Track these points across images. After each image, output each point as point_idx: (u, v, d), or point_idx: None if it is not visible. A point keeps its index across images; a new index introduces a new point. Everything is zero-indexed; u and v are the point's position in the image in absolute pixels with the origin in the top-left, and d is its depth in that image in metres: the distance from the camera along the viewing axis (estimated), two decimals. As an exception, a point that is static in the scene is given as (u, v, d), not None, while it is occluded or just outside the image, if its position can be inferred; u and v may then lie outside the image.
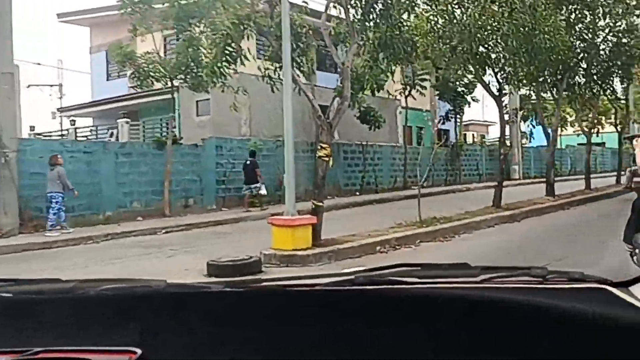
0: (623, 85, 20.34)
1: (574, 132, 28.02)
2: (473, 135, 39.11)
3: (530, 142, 30.94)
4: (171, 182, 13.83)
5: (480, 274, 1.05)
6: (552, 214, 13.08)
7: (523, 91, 21.67)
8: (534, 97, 20.60)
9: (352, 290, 0.94)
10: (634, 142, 15.01)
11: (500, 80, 13.59)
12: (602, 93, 18.36)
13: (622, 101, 23.32)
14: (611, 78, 17.24)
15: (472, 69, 13.64)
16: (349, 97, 9.23)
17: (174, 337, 0.70)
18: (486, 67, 13.17)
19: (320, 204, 8.36)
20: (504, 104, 15.74)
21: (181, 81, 13.87)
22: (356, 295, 0.86)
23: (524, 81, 15.08)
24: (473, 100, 25.03)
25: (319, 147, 8.68)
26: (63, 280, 1.08)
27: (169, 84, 13.97)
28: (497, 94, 13.80)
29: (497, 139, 16.93)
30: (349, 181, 19.26)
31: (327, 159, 8.43)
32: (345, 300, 0.81)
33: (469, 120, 36.89)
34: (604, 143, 35.51)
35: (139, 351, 0.62)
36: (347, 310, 0.75)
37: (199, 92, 14.29)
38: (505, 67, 12.94)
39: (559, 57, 12.46)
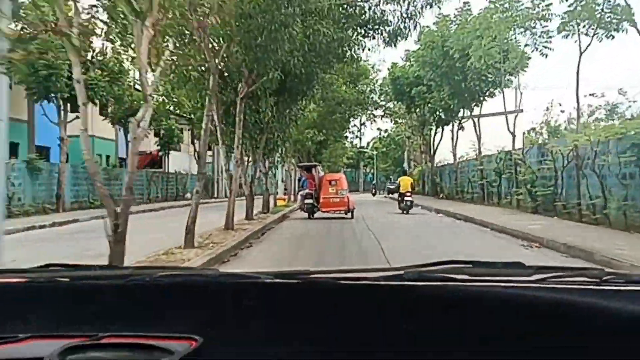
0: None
1: None
2: None
3: None
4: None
5: (535, 273, 1.01)
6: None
7: None
8: None
9: (403, 286, 0.92)
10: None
11: None
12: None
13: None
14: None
15: None
16: None
17: (232, 328, 0.70)
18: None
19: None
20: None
21: None
22: (407, 291, 0.85)
23: None
24: None
25: None
26: (119, 267, 1.11)
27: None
28: None
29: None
30: None
31: None
32: (396, 295, 0.80)
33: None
34: None
35: (200, 339, 0.62)
36: (399, 306, 0.74)
37: None
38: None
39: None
